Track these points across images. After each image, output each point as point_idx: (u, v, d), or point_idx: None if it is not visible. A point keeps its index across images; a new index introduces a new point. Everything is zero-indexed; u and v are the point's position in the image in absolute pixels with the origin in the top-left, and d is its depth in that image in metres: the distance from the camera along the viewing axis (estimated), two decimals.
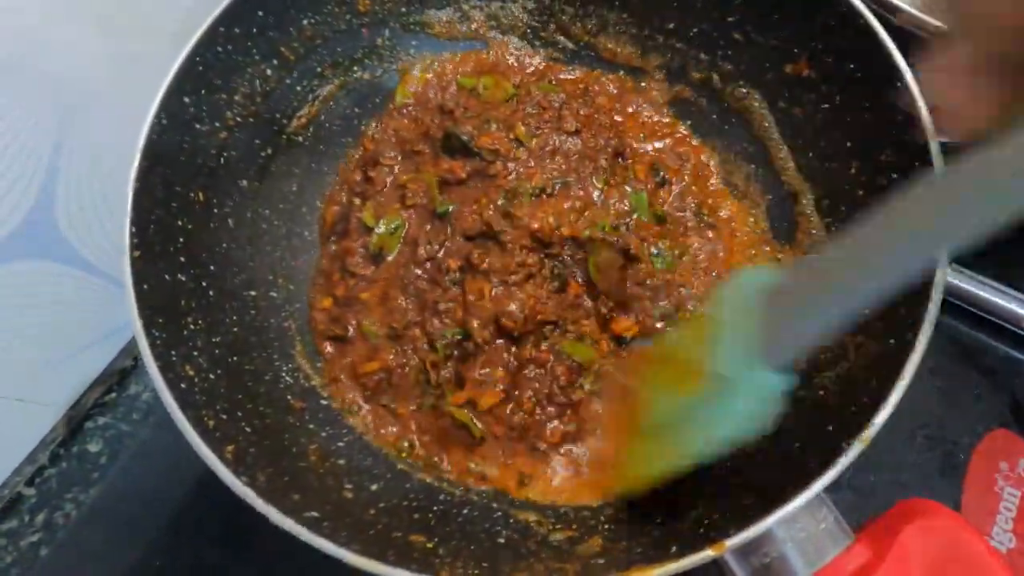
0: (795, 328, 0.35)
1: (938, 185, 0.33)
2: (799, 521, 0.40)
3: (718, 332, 0.38)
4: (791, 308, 0.35)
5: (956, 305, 0.67)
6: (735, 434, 0.39)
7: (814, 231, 0.57)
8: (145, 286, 0.45)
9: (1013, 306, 0.65)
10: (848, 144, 0.53)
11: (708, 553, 0.38)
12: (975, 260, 0.68)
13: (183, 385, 0.44)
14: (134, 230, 0.46)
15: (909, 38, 0.57)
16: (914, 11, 0.58)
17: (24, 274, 0.61)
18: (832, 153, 0.56)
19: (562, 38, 0.69)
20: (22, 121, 0.57)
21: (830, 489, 0.39)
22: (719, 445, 0.40)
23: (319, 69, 0.63)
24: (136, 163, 0.47)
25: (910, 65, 0.49)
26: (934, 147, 0.46)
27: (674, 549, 0.40)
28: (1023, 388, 0.65)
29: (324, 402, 0.55)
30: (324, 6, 0.61)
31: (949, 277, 0.66)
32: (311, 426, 0.52)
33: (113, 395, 0.70)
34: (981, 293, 0.66)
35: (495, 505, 0.50)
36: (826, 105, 0.56)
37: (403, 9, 0.65)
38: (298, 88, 0.62)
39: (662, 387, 0.43)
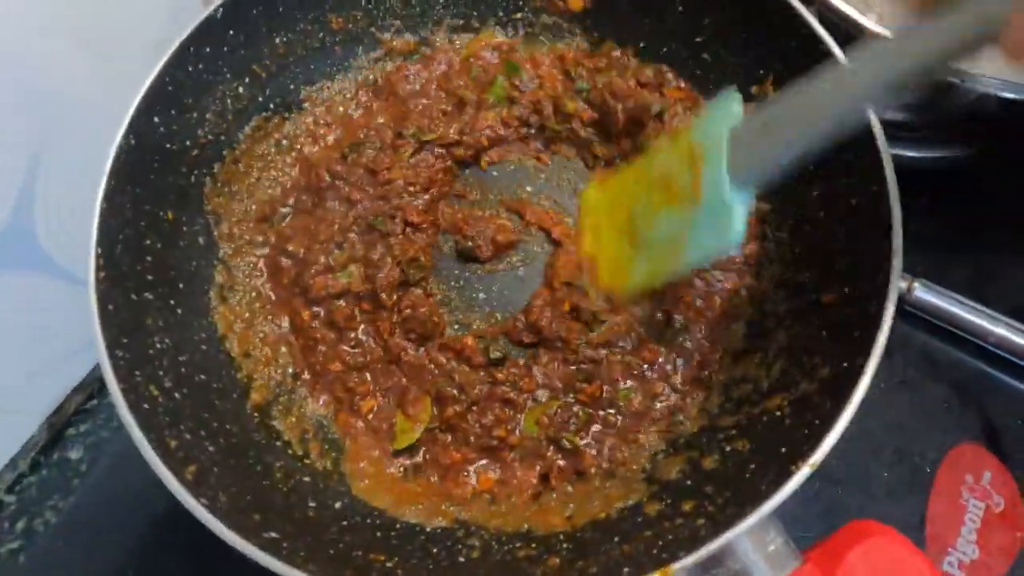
0: (760, 155, 0.40)
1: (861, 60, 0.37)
2: (749, 543, 0.41)
3: (703, 156, 0.41)
4: (756, 139, 0.40)
5: (927, 320, 0.67)
6: (710, 250, 0.43)
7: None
8: (110, 306, 0.46)
9: (982, 321, 0.65)
10: (810, 167, 0.54)
11: None
12: (946, 275, 0.69)
13: (146, 406, 0.44)
14: (99, 251, 0.46)
15: None
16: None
17: (3, 284, 0.62)
18: (794, 173, 0.56)
19: None
20: (0, 132, 0.57)
21: (798, 503, 0.40)
22: (696, 260, 0.44)
23: (292, 86, 0.63)
24: (103, 185, 0.48)
25: None
26: (888, 171, 0.47)
27: (626, 571, 0.41)
28: (992, 402, 0.65)
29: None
30: (297, 24, 0.61)
31: (920, 293, 0.67)
32: (277, 444, 0.52)
33: (95, 401, 0.71)
34: (952, 308, 0.66)
35: (457, 525, 0.50)
36: None
37: (373, 29, 0.65)
38: (271, 105, 0.62)
39: (645, 203, 0.47)
